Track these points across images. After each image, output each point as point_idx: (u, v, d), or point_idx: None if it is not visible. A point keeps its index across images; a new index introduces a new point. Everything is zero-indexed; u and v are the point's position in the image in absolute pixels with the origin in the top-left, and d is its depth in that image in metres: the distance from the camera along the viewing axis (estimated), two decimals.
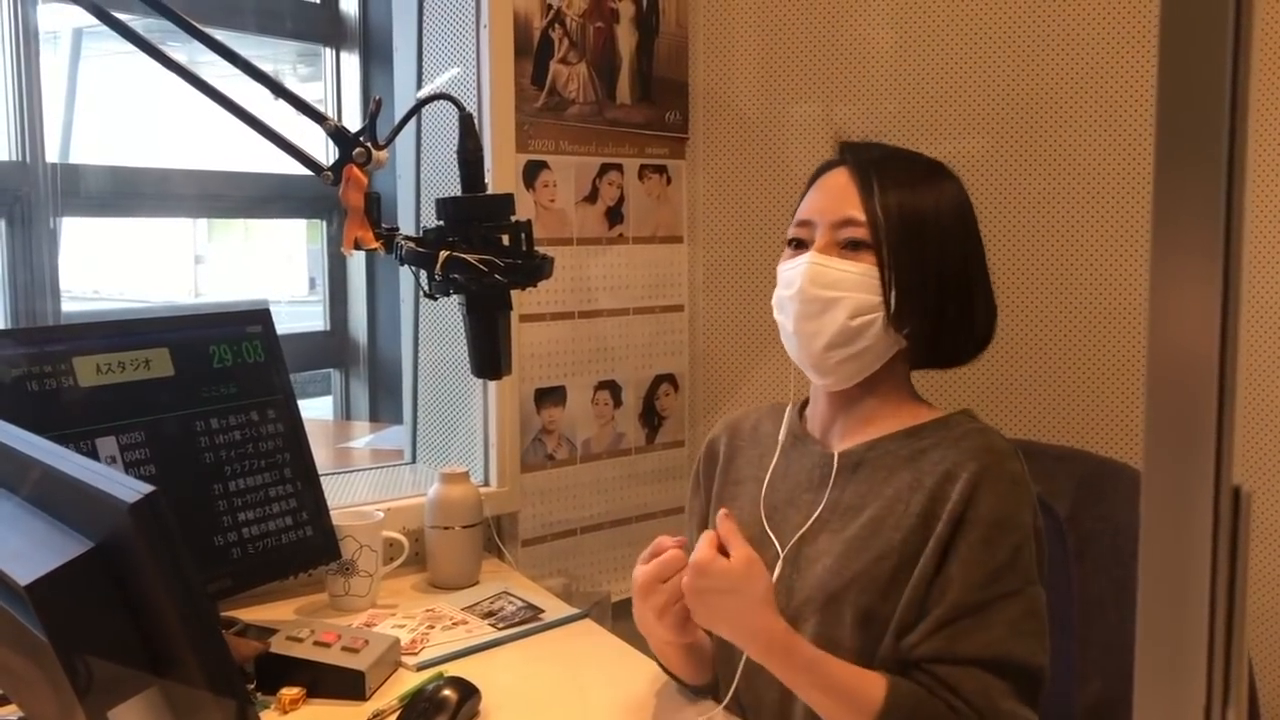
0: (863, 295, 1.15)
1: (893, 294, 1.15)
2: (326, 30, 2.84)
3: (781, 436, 1.28)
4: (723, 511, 1.13)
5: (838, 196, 1.19)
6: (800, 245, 1.21)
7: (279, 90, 1.15)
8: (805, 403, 1.32)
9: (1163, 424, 0.42)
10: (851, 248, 1.17)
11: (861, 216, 1.16)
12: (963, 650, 1.08)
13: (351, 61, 2.83)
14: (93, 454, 1.31)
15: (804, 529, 1.20)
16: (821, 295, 1.16)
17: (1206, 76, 0.40)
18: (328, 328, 2.97)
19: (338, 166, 1.13)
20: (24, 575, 0.67)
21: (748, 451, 1.33)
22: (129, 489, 0.66)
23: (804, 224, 1.21)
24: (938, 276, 1.17)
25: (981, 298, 1.22)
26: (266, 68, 1.17)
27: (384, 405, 3.02)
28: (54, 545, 0.72)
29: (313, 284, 3.54)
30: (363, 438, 2.76)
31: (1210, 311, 0.40)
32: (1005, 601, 1.09)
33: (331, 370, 3.06)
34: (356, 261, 2.93)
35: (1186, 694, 0.42)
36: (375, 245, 1.14)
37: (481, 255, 1.10)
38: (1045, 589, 1.13)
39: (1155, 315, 0.42)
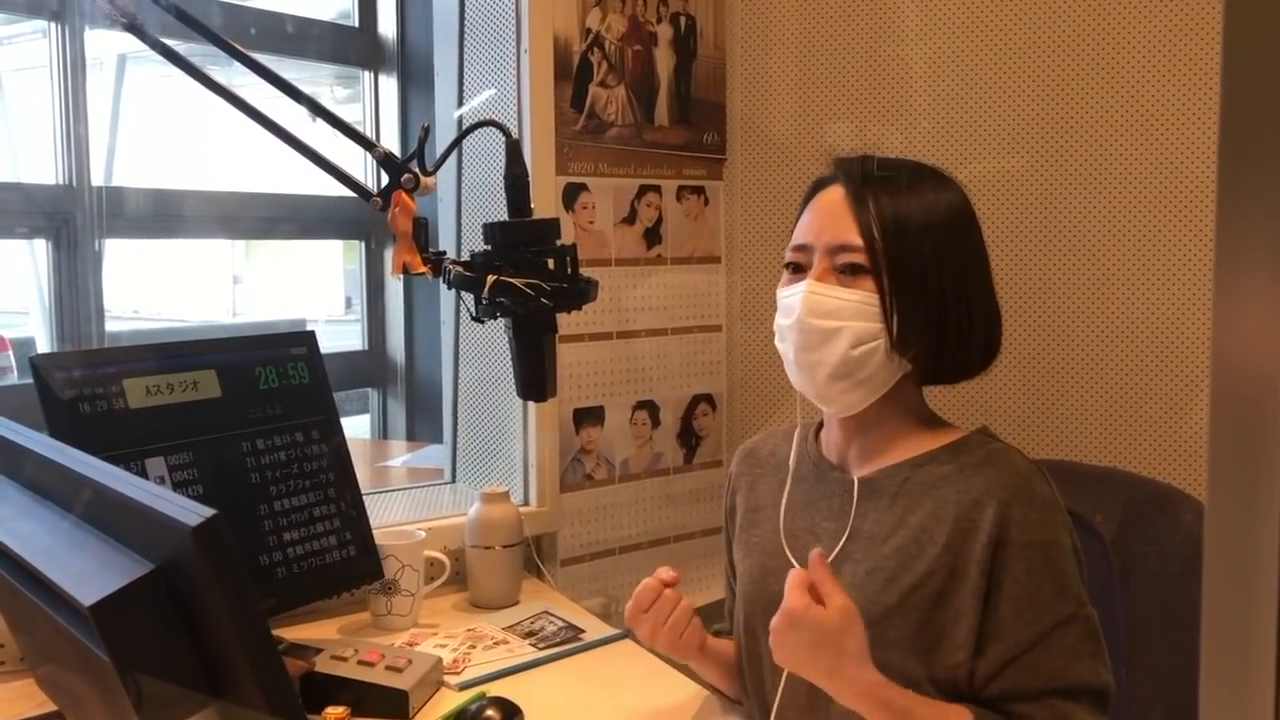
0: (863, 323, 1.12)
1: (894, 319, 1.12)
2: (365, 54, 2.87)
3: (794, 462, 1.26)
4: (817, 552, 1.07)
5: (832, 217, 1.16)
6: (798, 270, 1.18)
7: (325, 115, 1.17)
8: (820, 425, 1.29)
9: (1227, 451, 0.41)
10: (850, 272, 1.13)
11: (858, 240, 1.13)
12: (1030, 685, 1.08)
13: (389, 85, 2.85)
14: (142, 474, 1.33)
15: (829, 558, 1.16)
16: (820, 326, 1.13)
17: (1273, 79, 0.39)
18: (365, 347, 2.99)
19: (386, 192, 1.14)
20: (86, 596, 0.68)
21: (767, 478, 1.30)
22: (190, 512, 0.67)
23: (800, 248, 1.18)
24: (938, 294, 1.13)
25: (983, 308, 1.17)
26: (305, 91, 1.18)
27: (420, 424, 3.03)
28: (114, 566, 0.73)
29: (349, 304, 3.57)
30: (399, 457, 2.78)
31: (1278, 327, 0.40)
32: (1062, 629, 1.08)
33: (369, 389, 3.08)
34: (394, 282, 2.95)
35: None
36: (423, 269, 1.15)
37: (528, 279, 1.11)
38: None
39: (1219, 334, 0.41)
